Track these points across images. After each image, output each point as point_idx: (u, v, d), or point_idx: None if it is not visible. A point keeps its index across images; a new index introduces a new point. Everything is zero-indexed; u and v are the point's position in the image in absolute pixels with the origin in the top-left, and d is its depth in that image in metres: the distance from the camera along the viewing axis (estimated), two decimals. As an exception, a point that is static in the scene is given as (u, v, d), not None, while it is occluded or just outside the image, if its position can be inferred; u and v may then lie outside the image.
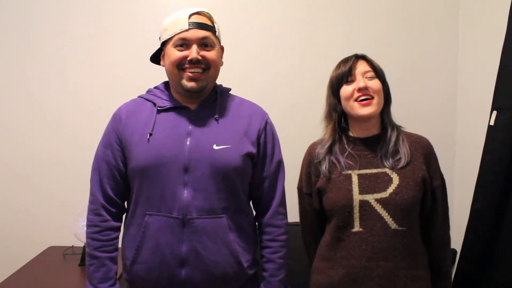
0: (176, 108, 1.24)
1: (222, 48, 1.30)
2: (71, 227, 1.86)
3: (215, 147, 1.18)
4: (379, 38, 2.13)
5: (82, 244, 1.88)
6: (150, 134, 1.19)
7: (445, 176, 1.35)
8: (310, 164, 1.38)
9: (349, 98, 1.29)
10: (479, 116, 1.86)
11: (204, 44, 1.20)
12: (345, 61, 1.33)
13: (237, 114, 1.27)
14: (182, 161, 1.16)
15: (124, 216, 1.29)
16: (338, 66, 1.34)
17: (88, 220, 1.23)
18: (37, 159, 2.11)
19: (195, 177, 1.16)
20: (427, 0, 2.16)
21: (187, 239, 1.15)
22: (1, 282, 1.65)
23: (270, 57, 2.13)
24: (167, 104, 1.25)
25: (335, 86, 1.33)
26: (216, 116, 1.24)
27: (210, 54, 1.20)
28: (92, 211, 1.23)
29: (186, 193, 1.15)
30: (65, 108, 2.11)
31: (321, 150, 1.35)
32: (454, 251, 1.95)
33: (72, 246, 1.98)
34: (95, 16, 2.10)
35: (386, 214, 1.23)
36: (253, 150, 1.24)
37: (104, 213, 1.22)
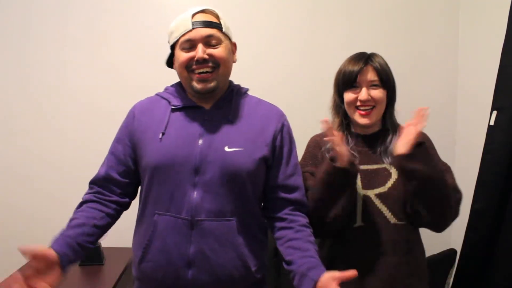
0: (190, 107, 1.22)
1: (234, 45, 1.27)
2: (71, 227, 1.86)
3: (226, 149, 1.16)
4: (379, 38, 2.13)
5: (82, 244, 1.89)
6: (163, 133, 1.18)
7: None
8: (316, 150, 1.37)
9: (350, 104, 1.30)
10: (479, 116, 1.86)
11: (210, 42, 1.17)
12: (355, 60, 1.31)
13: (252, 115, 1.24)
14: (193, 162, 1.15)
15: (117, 212, 1.26)
16: (348, 62, 1.32)
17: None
18: (37, 159, 2.11)
19: (205, 179, 1.14)
20: (427, 0, 2.16)
21: (195, 241, 1.13)
22: (1, 282, 1.65)
23: (270, 57, 2.13)
24: (182, 103, 1.23)
25: (340, 88, 1.33)
26: (230, 117, 1.21)
27: (217, 52, 1.17)
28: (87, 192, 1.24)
29: (195, 195, 1.14)
30: (65, 108, 2.11)
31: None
32: (454, 251, 1.95)
33: (72, 246, 1.98)
34: (95, 16, 2.10)
35: (385, 208, 1.25)
36: (267, 153, 1.20)
37: (95, 187, 1.23)
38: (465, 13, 2.14)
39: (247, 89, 1.32)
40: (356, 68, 1.28)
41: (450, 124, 2.18)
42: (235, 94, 1.26)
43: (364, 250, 1.25)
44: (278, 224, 1.22)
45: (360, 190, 1.27)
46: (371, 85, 1.28)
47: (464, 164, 2.05)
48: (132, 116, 1.25)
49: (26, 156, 2.11)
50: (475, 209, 1.65)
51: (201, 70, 1.16)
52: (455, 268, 1.86)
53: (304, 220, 1.21)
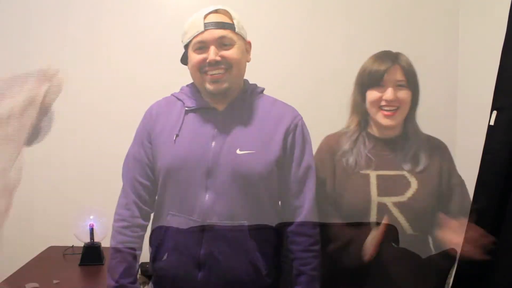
0: (204, 109, 1.21)
1: (249, 43, 1.25)
2: (71, 227, 1.86)
3: (238, 152, 1.15)
4: (379, 38, 2.12)
5: (82, 244, 1.88)
6: (177, 135, 1.18)
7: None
8: (326, 156, 1.32)
9: (374, 103, 1.26)
10: (479, 116, 1.86)
11: (222, 43, 1.16)
12: (382, 59, 1.26)
13: (266, 116, 1.22)
14: (205, 165, 1.14)
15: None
16: (374, 61, 1.27)
17: (117, 214, 1.22)
18: (37, 159, 2.11)
19: (217, 182, 1.14)
20: (427, 0, 2.16)
21: (205, 243, 1.14)
22: (1, 282, 1.65)
23: (270, 57, 2.13)
24: (195, 104, 1.22)
25: (364, 87, 1.28)
26: (243, 118, 1.20)
27: (230, 53, 1.16)
28: (124, 205, 1.21)
29: (207, 198, 1.14)
30: (64, 109, 2.10)
31: (347, 142, 1.30)
32: (454, 251, 1.94)
33: (72, 246, 1.98)
34: (95, 16, 2.10)
35: (403, 218, 1.21)
36: (278, 154, 1.18)
37: (134, 209, 1.20)
38: (465, 13, 2.13)
39: (263, 89, 1.30)
40: (383, 67, 1.24)
41: (450, 124, 2.18)
42: (249, 94, 1.25)
43: (377, 258, 1.22)
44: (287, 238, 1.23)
45: (375, 197, 1.21)
46: (397, 85, 1.24)
47: (464, 164, 2.05)
48: (149, 117, 1.24)
49: (26, 156, 2.10)
50: (475, 209, 1.64)
51: (213, 72, 1.15)
52: (455, 268, 1.85)
53: (307, 240, 1.20)
